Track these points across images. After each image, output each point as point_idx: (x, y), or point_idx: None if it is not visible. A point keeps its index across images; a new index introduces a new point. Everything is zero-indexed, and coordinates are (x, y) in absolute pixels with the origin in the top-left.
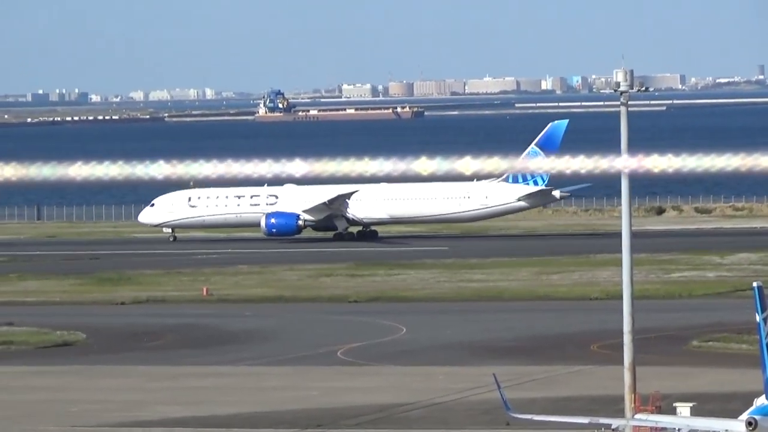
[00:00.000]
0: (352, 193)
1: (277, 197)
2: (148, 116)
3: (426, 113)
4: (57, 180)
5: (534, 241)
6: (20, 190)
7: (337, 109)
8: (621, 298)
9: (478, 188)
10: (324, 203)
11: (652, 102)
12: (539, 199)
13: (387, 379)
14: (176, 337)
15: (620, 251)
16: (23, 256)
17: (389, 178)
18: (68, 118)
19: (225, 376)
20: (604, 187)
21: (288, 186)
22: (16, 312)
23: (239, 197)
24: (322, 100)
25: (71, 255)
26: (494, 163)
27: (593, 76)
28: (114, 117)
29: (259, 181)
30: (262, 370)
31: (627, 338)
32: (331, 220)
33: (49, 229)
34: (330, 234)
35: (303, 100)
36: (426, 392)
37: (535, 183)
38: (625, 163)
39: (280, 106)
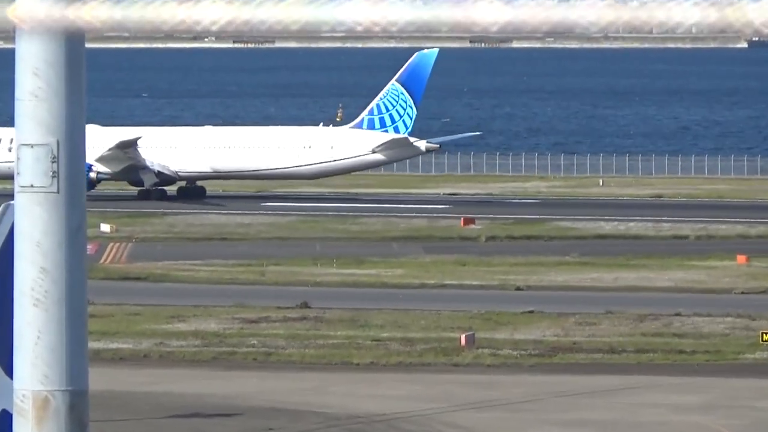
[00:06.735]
0: (136, 138)
1: None
2: None
3: None
4: None
5: None
6: None
7: None
8: None
9: (322, 135)
10: (115, 149)
11: None
12: (399, 151)
13: None
14: None
15: None
16: None
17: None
18: None
19: None
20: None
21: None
22: None
23: None
24: None
25: None
26: None
27: None
28: None
29: None
30: None
31: None
32: (137, 172)
33: None
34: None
35: None
36: None
37: (396, 130)
38: None
39: None
